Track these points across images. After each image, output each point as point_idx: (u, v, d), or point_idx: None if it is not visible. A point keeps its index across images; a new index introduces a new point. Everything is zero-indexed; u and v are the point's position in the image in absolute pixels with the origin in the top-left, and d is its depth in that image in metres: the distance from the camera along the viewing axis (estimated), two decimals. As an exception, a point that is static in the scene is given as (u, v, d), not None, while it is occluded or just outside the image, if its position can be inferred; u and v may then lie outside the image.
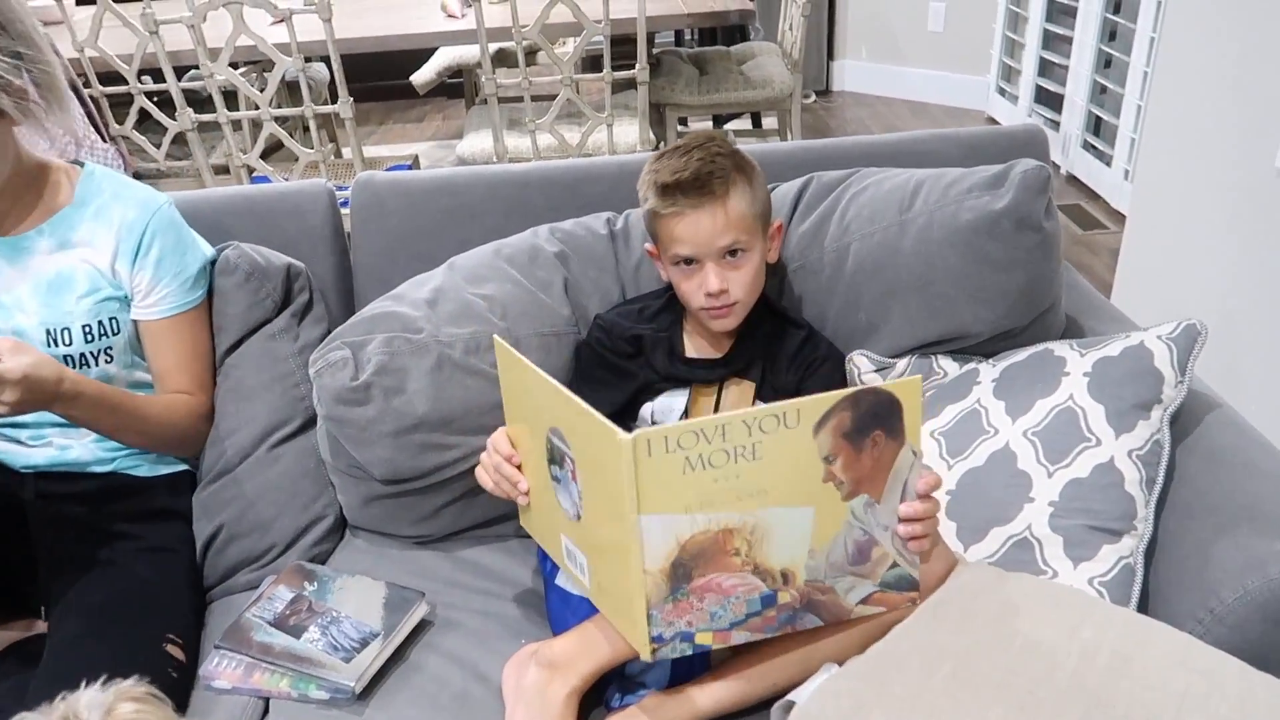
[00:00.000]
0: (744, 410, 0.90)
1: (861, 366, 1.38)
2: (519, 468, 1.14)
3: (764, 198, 1.31)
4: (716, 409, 1.34)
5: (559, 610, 1.22)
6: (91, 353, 1.30)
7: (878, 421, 0.92)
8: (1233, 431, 1.20)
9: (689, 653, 0.98)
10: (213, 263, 1.45)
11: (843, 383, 1.40)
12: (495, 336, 1.13)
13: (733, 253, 1.26)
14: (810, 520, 0.95)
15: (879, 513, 0.96)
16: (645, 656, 0.97)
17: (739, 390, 1.35)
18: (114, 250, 1.32)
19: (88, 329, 1.30)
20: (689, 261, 1.28)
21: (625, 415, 1.36)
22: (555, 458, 1.03)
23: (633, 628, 0.97)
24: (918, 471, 0.96)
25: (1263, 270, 1.91)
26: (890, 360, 1.38)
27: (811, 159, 1.57)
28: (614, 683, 1.13)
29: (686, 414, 1.34)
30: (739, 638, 0.99)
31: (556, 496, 1.06)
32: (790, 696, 1.04)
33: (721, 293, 1.26)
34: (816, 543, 0.96)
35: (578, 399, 0.96)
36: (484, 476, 1.19)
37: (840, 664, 1.04)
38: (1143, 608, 1.09)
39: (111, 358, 1.33)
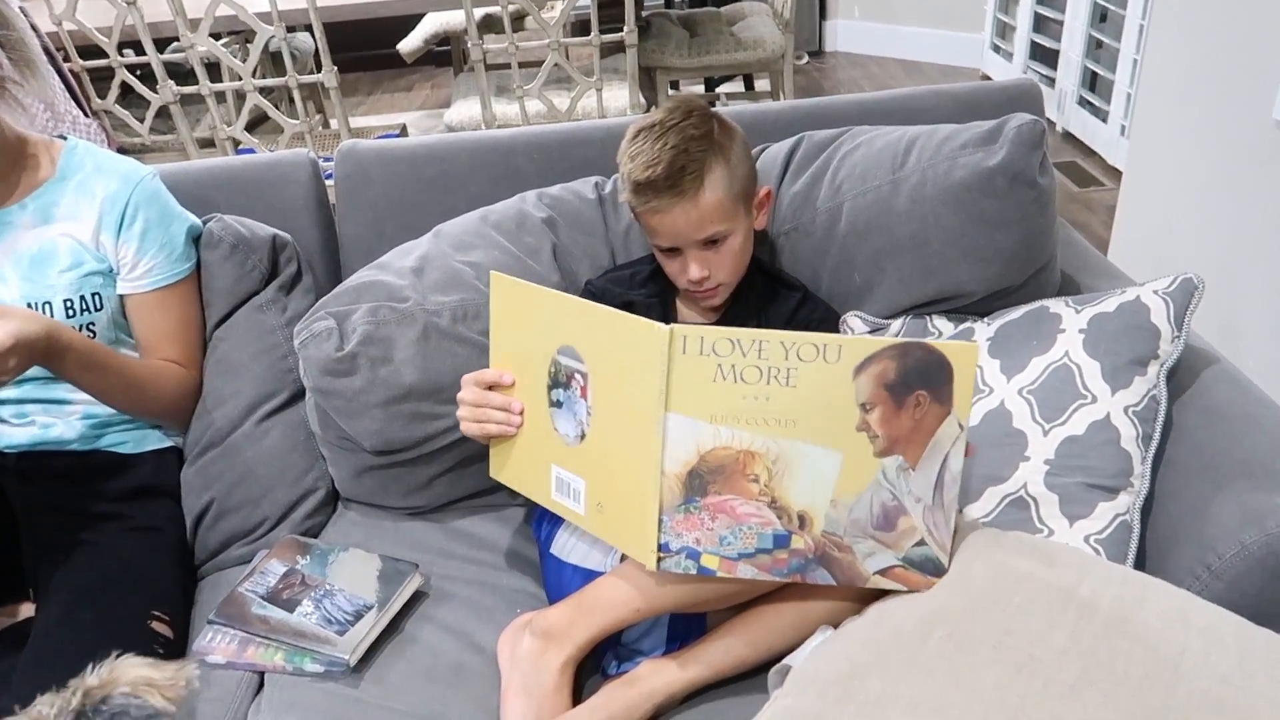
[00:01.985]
0: (785, 332, 0.89)
1: (855, 327, 1.37)
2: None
3: (745, 172, 1.27)
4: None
5: (554, 579, 1.21)
6: (73, 328, 1.29)
7: (924, 380, 0.90)
8: (1230, 386, 1.19)
9: (692, 571, 0.96)
10: (199, 235, 1.43)
11: None
12: (493, 271, 1.14)
13: (712, 240, 1.25)
14: (837, 466, 0.93)
15: (913, 481, 0.94)
16: (650, 565, 0.95)
17: (732, 355, 1.34)
18: (97, 223, 1.30)
19: (69, 303, 1.29)
20: (671, 249, 1.27)
21: None
22: (561, 379, 1.03)
23: (639, 535, 0.96)
24: (961, 447, 0.92)
25: (1260, 224, 1.89)
26: (885, 321, 1.37)
27: (802, 118, 1.55)
28: (610, 650, 1.13)
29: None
30: (745, 571, 0.97)
31: (554, 424, 1.05)
32: (786, 661, 1.03)
33: (703, 279, 1.26)
34: (840, 493, 0.94)
35: (600, 305, 0.98)
36: (469, 424, 1.17)
37: (836, 628, 1.04)
38: (1140, 565, 1.08)
39: (94, 333, 1.31)
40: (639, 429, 0.93)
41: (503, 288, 1.13)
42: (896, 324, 1.36)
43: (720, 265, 1.26)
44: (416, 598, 1.24)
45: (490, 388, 1.15)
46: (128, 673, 0.86)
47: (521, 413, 1.12)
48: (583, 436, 1.02)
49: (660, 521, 0.93)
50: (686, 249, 1.25)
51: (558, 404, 1.04)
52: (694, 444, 0.92)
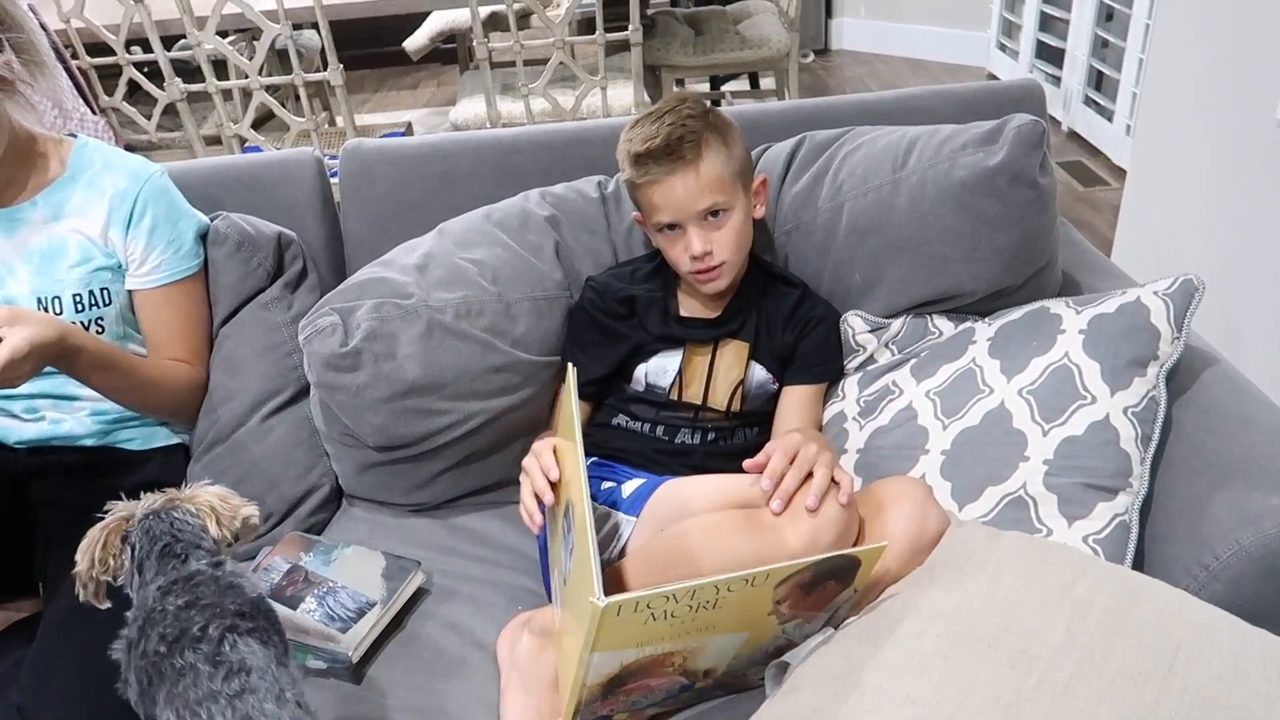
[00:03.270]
0: (721, 576, 0.88)
1: (856, 327, 1.37)
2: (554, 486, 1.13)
3: (742, 155, 1.29)
4: (711, 370, 1.34)
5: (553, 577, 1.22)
6: (82, 323, 1.30)
7: (834, 576, 0.94)
8: (1229, 387, 1.19)
9: None
10: (207, 233, 1.44)
11: (838, 344, 1.39)
12: (570, 365, 1.12)
13: (714, 213, 1.26)
14: (743, 639, 0.98)
15: (805, 629, 1.00)
16: None
17: (734, 350, 1.34)
18: (106, 219, 1.32)
19: (78, 298, 1.30)
20: (672, 227, 1.27)
21: (618, 377, 1.36)
22: (568, 514, 1.03)
23: (562, 698, 0.99)
24: (851, 599, 0.98)
25: (1264, 224, 1.89)
26: (885, 320, 1.37)
27: (805, 118, 1.55)
28: (609, 648, 1.14)
29: (680, 374, 1.33)
30: (651, 711, 1.05)
31: (562, 537, 1.07)
32: (785, 658, 1.04)
33: (706, 254, 1.26)
34: (743, 651, 1.00)
35: (587, 509, 0.94)
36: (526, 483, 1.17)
37: (836, 628, 1.04)
38: (1138, 565, 1.08)
39: (103, 328, 1.32)
40: (576, 637, 0.92)
41: (570, 392, 1.10)
42: (897, 323, 1.37)
43: (722, 243, 1.27)
44: (419, 594, 1.25)
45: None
46: (201, 494, 0.97)
47: (555, 489, 1.11)
48: (565, 577, 1.04)
49: (578, 707, 0.95)
50: (688, 223, 1.26)
51: (566, 529, 1.04)
52: (618, 663, 0.93)
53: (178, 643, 0.84)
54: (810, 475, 1.05)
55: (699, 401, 1.34)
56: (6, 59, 1.20)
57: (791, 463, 1.05)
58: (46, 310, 1.28)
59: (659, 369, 1.34)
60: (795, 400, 1.36)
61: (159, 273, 1.36)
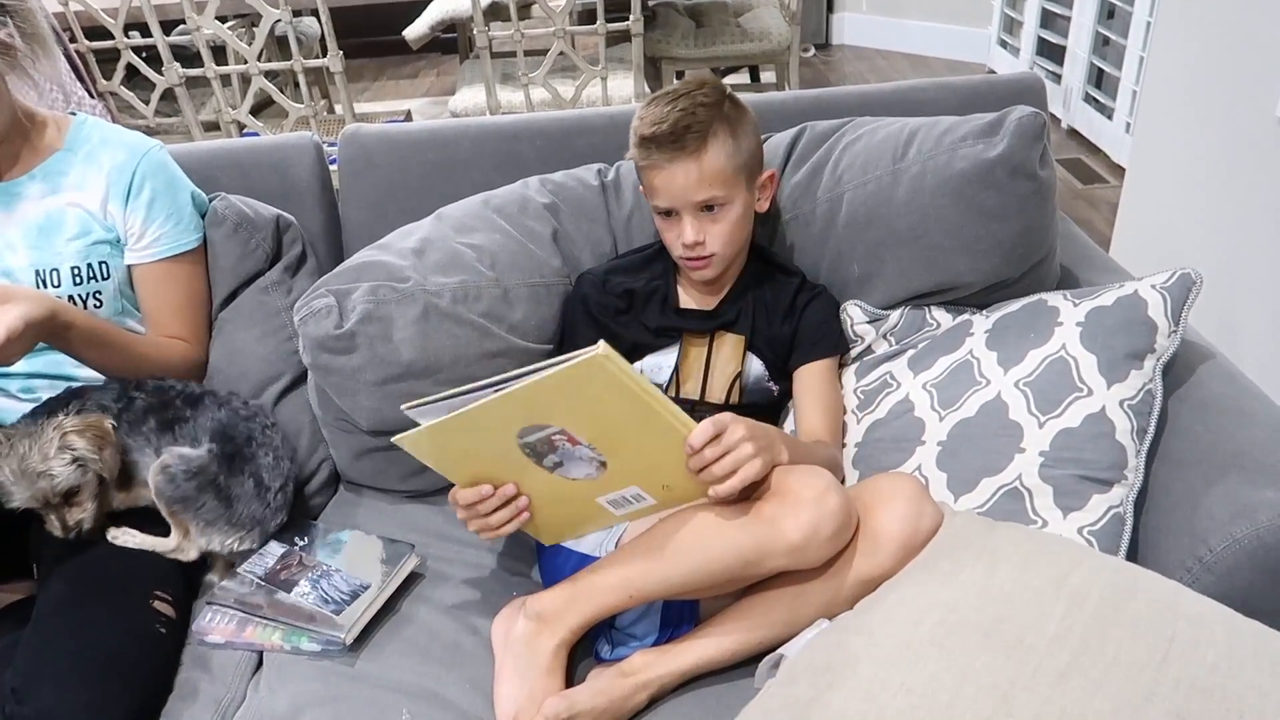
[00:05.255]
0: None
1: (854, 316, 1.37)
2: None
3: (751, 148, 1.28)
4: (708, 364, 1.33)
5: (549, 562, 1.22)
6: (80, 296, 1.30)
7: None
8: (1225, 381, 1.19)
9: None
10: (206, 211, 1.44)
11: (838, 326, 1.38)
12: (395, 438, 1.07)
13: (710, 206, 1.25)
14: None
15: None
16: None
17: (731, 343, 1.34)
18: (105, 192, 1.32)
19: (76, 271, 1.30)
20: (669, 212, 1.27)
21: None
22: (540, 450, 1.03)
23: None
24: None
25: (1262, 221, 1.89)
26: (883, 311, 1.37)
27: (805, 109, 1.55)
28: (603, 635, 1.14)
29: (677, 370, 1.33)
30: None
31: (570, 478, 1.06)
32: (781, 650, 1.04)
33: (697, 244, 1.26)
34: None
35: (514, 376, 0.97)
36: (487, 532, 1.12)
37: (831, 620, 1.05)
38: (1132, 557, 1.09)
39: (101, 302, 1.32)
40: (650, 429, 1.00)
41: (421, 441, 1.06)
42: (895, 315, 1.36)
43: (716, 235, 1.26)
44: (414, 579, 1.25)
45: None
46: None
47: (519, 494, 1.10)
48: (603, 465, 1.04)
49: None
50: (684, 211, 1.25)
51: (556, 465, 1.05)
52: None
53: (159, 406, 1.24)
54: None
55: (696, 397, 1.33)
56: (8, 30, 1.19)
57: (722, 454, 1.02)
58: (45, 283, 1.28)
59: (654, 366, 1.34)
60: (807, 380, 1.33)
61: (158, 246, 1.35)
